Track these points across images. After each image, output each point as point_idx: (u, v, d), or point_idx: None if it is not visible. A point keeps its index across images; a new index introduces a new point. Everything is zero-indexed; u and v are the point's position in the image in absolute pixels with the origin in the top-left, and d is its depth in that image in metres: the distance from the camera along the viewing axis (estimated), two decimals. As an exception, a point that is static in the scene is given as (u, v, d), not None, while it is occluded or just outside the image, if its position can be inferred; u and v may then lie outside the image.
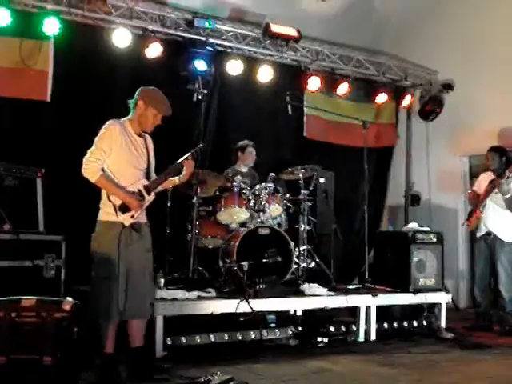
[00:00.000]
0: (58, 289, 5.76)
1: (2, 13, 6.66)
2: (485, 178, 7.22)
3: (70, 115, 7.13)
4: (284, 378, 4.74)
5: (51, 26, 6.93)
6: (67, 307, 3.89)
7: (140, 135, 4.73)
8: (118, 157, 4.53)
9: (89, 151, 4.48)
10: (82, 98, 7.24)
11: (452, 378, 4.91)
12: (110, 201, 4.50)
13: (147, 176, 4.75)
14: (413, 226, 7.44)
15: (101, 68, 7.42)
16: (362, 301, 6.47)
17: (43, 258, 5.65)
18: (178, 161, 4.84)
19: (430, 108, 9.61)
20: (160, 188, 4.89)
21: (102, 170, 4.49)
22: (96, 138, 4.54)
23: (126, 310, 4.49)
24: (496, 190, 6.92)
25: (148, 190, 4.66)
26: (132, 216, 4.55)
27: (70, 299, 4.21)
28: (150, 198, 4.70)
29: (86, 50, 7.28)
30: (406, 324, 6.87)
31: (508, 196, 6.86)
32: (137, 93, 4.71)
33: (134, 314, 4.61)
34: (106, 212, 4.55)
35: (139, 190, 4.60)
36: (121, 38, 7.35)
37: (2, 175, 5.78)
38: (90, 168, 4.44)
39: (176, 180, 4.93)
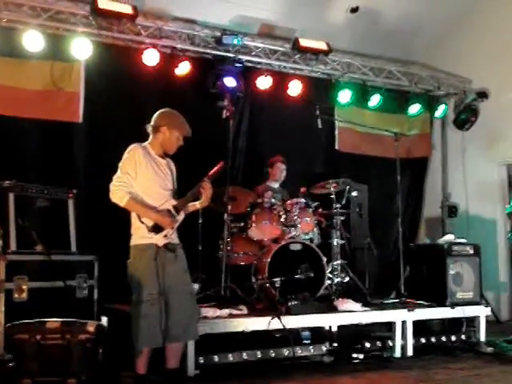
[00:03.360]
0: (92, 309, 5.80)
1: (34, 37, 6.79)
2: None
3: (101, 136, 7.23)
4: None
5: (82, 49, 7.05)
6: (91, 329, 3.91)
7: (162, 157, 4.76)
8: (144, 179, 4.56)
9: (114, 176, 4.53)
10: (113, 118, 7.33)
11: (489, 394, 4.78)
12: (142, 223, 4.50)
13: (174, 197, 4.75)
14: (449, 237, 7.30)
15: (131, 88, 7.47)
16: (397, 316, 6.35)
17: (75, 278, 5.70)
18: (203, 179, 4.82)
19: (465, 117, 9.44)
20: (188, 210, 4.87)
21: (130, 193, 4.50)
22: (120, 163, 4.58)
23: (169, 333, 4.48)
24: None
25: (177, 209, 4.66)
26: (165, 236, 4.56)
27: (104, 319, 4.23)
28: (180, 218, 4.71)
29: (117, 71, 7.37)
30: (444, 339, 6.70)
31: None
32: (155, 117, 4.74)
33: (176, 337, 4.58)
34: (139, 235, 4.56)
35: (169, 210, 4.60)
36: (150, 57, 7.41)
37: (34, 197, 5.86)
38: (118, 193, 4.47)
39: (197, 205, 4.88)
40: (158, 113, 4.78)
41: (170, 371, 4.65)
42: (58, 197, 6.08)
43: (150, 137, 4.74)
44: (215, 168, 4.87)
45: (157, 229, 4.50)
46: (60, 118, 7.08)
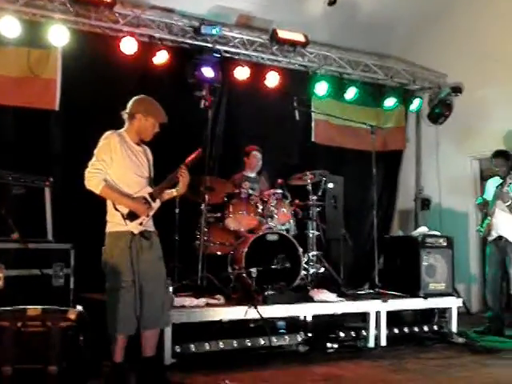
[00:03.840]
0: (67, 297, 5.76)
1: (11, 23, 6.71)
2: (491, 185, 7.18)
3: (77, 124, 7.16)
4: (293, 385, 4.74)
5: (59, 36, 6.98)
6: (73, 316, 3.90)
7: (138, 145, 4.75)
8: (119, 166, 4.54)
9: (90, 163, 4.51)
10: (89, 106, 7.25)
11: (460, 383, 4.86)
12: (116, 210, 4.50)
13: (150, 184, 4.75)
14: (423, 230, 7.41)
15: (108, 76, 7.42)
16: (371, 306, 6.42)
17: (52, 266, 5.66)
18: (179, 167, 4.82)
19: (439, 111, 9.55)
20: (164, 198, 4.87)
21: (105, 180, 4.49)
22: (95, 150, 4.56)
23: (142, 321, 4.50)
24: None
25: (153, 197, 4.66)
26: (140, 223, 4.56)
27: (79, 307, 4.23)
28: (155, 205, 4.70)
29: (94, 59, 7.31)
30: (416, 329, 6.81)
31: (509, 203, 6.80)
32: (131, 104, 4.72)
33: (151, 325, 4.59)
34: (114, 223, 4.55)
35: (144, 197, 4.60)
36: (128, 46, 7.37)
37: (10, 184, 5.79)
38: (93, 179, 4.45)
39: (174, 192, 4.88)
40: (133, 99, 4.74)
41: (146, 359, 4.66)
42: (35, 185, 6.01)
43: (126, 124, 4.72)
44: (192, 155, 4.87)
45: (132, 216, 4.50)
46: (36, 105, 7.01)
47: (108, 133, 4.61)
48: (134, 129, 4.70)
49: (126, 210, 4.50)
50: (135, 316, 4.44)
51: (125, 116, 4.72)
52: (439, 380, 4.99)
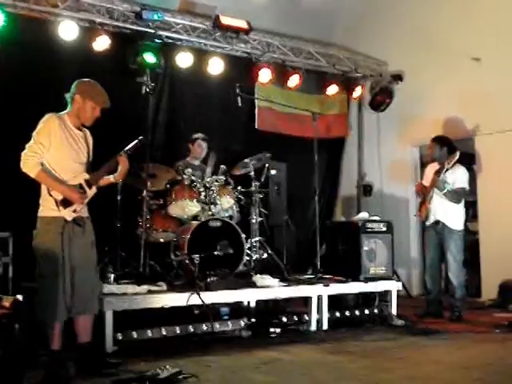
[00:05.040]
0: (6, 286, 5.68)
1: None
2: (430, 170, 7.33)
3: (14, 109, 6.99)
4: (234, 369, 4.76)
5: (-5, 19, 6.80)
6: (7, 304, 3.82)
7: (79, 129, 4.68)
8: (57, 151, 4.47)
9: (27, 146, 4.43)
10: (28, 91, 7.11)
11: (399, 363, 4.97)
12: (50, 196, 4.44)
13: (87, 170, 4.69)
14: (363, 215, 7.52)
15: (47, 61, 7.29)
16: (313, 290, 6.49)
17: (-11, 255, 5.57)
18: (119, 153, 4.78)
19: (380, 99, 9.70)
20: (100, 184, 4.81)
21: (42, 164, 4.42)
22: (34, 133, 4.48)
23: (73, 307, 4.48)
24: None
25: (89, 183, 4.61)
26: (74, 210, 4.50)
27: (19, 296, 4.16)
28: (91, 192, 4.65)
29: (32, 44, 7.16)
30: (357, 312, 6.93)
31: (444, 191, 6.96)
32: (73, 86, 4.65)
33: (82, 311, 4.58)
34: (47, 207, 4.48)
35: (80, 184, 4.55)
36: (67, 30, 7.27)
37: None
38: (29, 162, 4.38)
39: (111, 178, 4.84)
40: (76, 82, 4.68)
41: (82, 346, 4.65)
42: (-30, 172, 5.89)
43: (68, 107, 4.65)
44: (133, 143, 4.84)
45: (66, 203, 4.44)
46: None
47: (48, 115, 4.53)
48: (74, 112, 4.63)
49: (60, 197, 4.44)
50: (64, 303, 4.40)
51: (68, 99, 4.64)
52: (377, 360, 5.08)
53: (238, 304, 6.39)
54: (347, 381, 4.53)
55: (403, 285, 8.68)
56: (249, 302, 6.44)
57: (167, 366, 4.39)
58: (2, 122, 6.98)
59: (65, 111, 4.64)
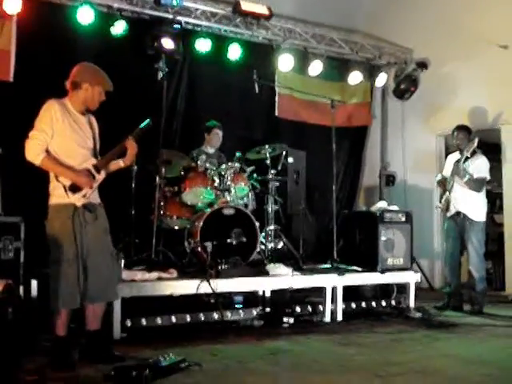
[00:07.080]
0: (18, 271, 5.65)
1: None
2: (450, 161, 7.17)
3: (32, 95, 6.93)
4: (239, 359, 4.68)
5: (13, 5, 6.77)
6: (-1, 288, 3.80)
7: (83, 114, 4.60)
8: (61, 137, 4.40)
9: (30, 134, 4.37)
10: (45, 77, 7.04)
11: (409, 356, 4.85)
12: (58, 181, 4.38)
13: (95, 156, 4.62)
14: (381, 205, 7.39)
15: (65, 46, 7.23)
16: (327, 281, 6.39)
17: (0, 240, 5.54)
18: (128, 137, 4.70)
19: (405, 87, 9.50)
20: (110, 169, 4.73)
21: (47, 151, 4.36)
22: (36, 120, 4.41)
23: (87, 294, 4.42)
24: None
25: (97, 168, 4.53)
26: (84, 196, 4.44)
27: (34, 281, 4.10)
28: (100, 177, 4.57)
29: (50, 29, 7.14)
30: (374, 304, 6.82)
31: (465, 179, 6.78)
32: (75, 72, 4.55)
33: (96, 298, 4.52)
34: (57, 195, 4.42)
35: (88, 169, 4.48)
36: (85, 15, 7.20)
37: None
38: (33, 150, 4.33)
39: (120, 162, 4.73)
40: (76, 67, 4.58)
41: (91, 333, 4.60)
42: (-16, 156, 5.89)
43: (70, 92, 4.55)
44: (140, 126, 4.76)
45: (74, 189, 4.38)
46: (-10, 76, 6.83)
47: (49, 101, 4.45)
48: (79, 99, 4.54)
49: (68, 182, 4.38)
50: (78, 290, 4.35)
51: (68, 85, 4.56)
52: (387, 353, 4.96)
53: (253, 293, 6.32)
54: (353, 373, 4.41)
55: (425, 277, 8.56)
56: (264, 292, 6.34)
57: (170, 354, 4.33)
58: (19, 107, 6.98)
59: (66, 97, 4.55)
